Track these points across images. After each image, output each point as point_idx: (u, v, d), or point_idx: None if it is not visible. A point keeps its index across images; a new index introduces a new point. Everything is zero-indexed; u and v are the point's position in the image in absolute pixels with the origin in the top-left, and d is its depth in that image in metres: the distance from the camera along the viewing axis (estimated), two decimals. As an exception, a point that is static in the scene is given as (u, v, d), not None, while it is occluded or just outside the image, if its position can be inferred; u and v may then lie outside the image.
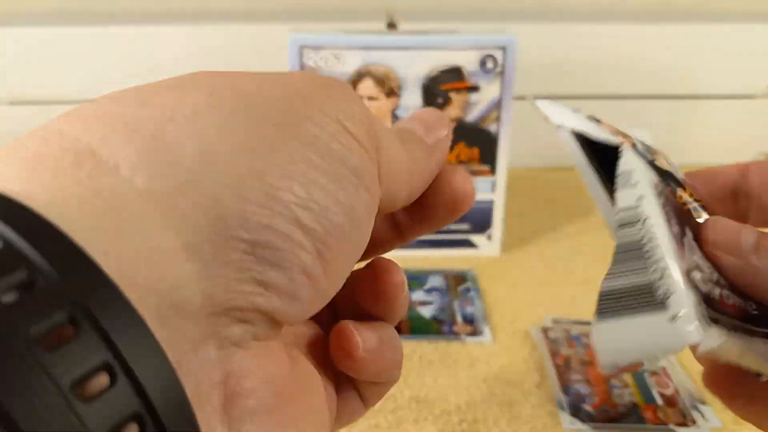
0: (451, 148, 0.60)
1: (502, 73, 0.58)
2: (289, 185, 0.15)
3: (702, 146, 0.78)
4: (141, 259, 0.13)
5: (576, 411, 0.42)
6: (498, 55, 0.57)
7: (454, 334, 0.50)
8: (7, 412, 0.10)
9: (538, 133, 0.82)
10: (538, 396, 0.44)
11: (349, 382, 0.22)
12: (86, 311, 0.11)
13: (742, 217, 0.28)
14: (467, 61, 0.57)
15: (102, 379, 0.11)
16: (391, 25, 0.63)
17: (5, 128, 0.79)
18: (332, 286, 0.17)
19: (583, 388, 0.44)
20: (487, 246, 0.62)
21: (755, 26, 0.76)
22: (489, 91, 0.58)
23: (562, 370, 0.46)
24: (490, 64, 0.58)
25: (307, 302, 0.16)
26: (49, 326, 0.11)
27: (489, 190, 0.60)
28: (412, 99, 0.58)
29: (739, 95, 0.79)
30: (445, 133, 0.23)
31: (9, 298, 0.11)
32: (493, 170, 0.60)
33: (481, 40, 0.57)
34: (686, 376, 0.45)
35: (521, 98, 0.67)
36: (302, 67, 0.57)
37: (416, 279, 0.57)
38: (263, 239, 0.15)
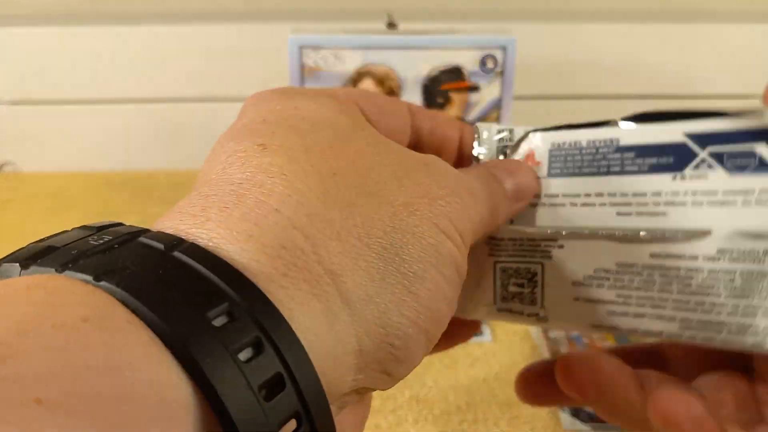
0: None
1: (502, 73, 0.58)
2: (427, 303, 0.19)
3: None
4: (331, 357, 0.17)
5: (576, 411, 0.42)
6: (498, 55, 0.57)
7: (454, 334, 0.50)
8: (221, 401, 0.14)
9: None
10: (538, 396, 0.44)
11: None
12: (268, 336, 0.15)
13: None
14: (467, 61, 0.57)
15: (277, 385, 0.15)
16: (391, 25, 0.63)
17: (5, 128, 0.79)
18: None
19: (583, 388, 0.44)
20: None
21: (755, 26, 0.77)
22: (489, 91, 0.58)
23: (562, 370, 0.46)
24: (490, 64, 0.58)
25: (400, 378, 0.20)
26: (245, 343, 0.15)
27: (489, 190, 0.60)
28: (412, 99, 0.58)
29: (739, 95, 0.79)
30: (527, 180, 0.25)
31: (219, 322, 0.15)
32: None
33: (481, 40, 0.57)
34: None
35: (521, 98, 0.67)
36: (302, 67, 0.57)
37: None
38: (404, 345, 0.19)
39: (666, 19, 0.77)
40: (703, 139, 0.24)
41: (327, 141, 0.20)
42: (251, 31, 0.75)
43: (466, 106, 0.59)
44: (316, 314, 0.17)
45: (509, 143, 0.26)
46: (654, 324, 0.23)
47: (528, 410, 0.43)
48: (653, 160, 0.24)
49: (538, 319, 0.25)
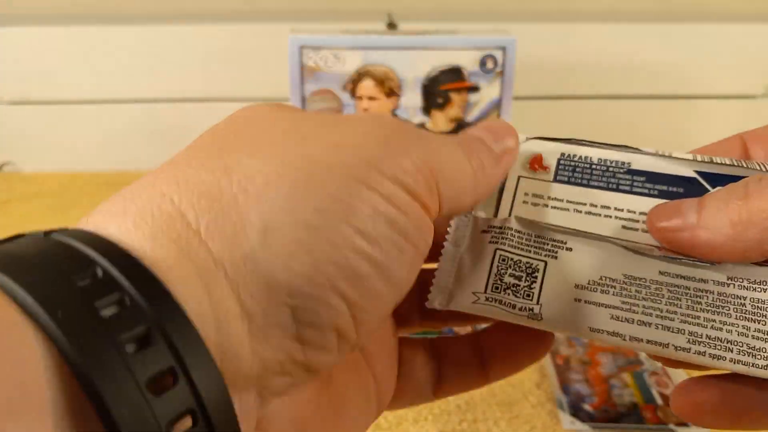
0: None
1: (502, 73, 0.58)
2: (334, 258, 0.18)
3: (701, 146, 0.78)
4: (213, 321, 0.16)
5: (576, 411, 0.42)
6: (498, 55, 0.57)
7: (454, 334, 0.50)
8: (100, 395, 0.13)
9: (538, 133, 0.82)
10: (538, 396, 0.44)
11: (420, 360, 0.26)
12: (161, 328, 0.15)
13: None
14: (467, 61, 0.57)
15: (167, 380, 0.15)
16: (391, 26, 0.63)
17: (5, 128, 0.79)
18: (365, 337, 0.19)
19: (582, 388, 0.44)
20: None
21: (755, 26, 0.77)
22: (489, 91, 0.58)
23: (562, 370, 0.46)
24: (490, 64, 0.58)
25: (338, 353, 0.19)
26: (133, 336, 0.14)
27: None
28: (412, 99, 0.58)
29: (738, 95, 0.79)
30: (513, 142, 0.24)
31: (108, 312, 0.15)
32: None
33: (481, 40, 0.57)
34: (686, 375, 0.45)
35: (521, 98, 0.67)
36: (302, 67, 0.57)
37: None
38: (304, 305, 0.17)
39: (666, 19, 0.77)
40: (713, 179, 0.24)
41: (231, 129, 0.20)
42: (251, 31, 0.75)
43: (466, 106, 0.59)
44: (189, 276, 0.16)
45: None
46: (660, 335, 0.23)
47: (528, 410, 0.43)
48: (663, 187, 0.25)
49: (530, 315, 0.24)
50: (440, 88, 0.58)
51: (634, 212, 0.24)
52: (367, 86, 0.58)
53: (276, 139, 0.19)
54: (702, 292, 0.23)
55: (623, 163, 0.25)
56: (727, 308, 0.22)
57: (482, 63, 0.58)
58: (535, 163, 0.26)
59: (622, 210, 0.24)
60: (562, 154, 0.26)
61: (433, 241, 0.23)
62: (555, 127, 0.79)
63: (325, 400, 0.21)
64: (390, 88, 0.58)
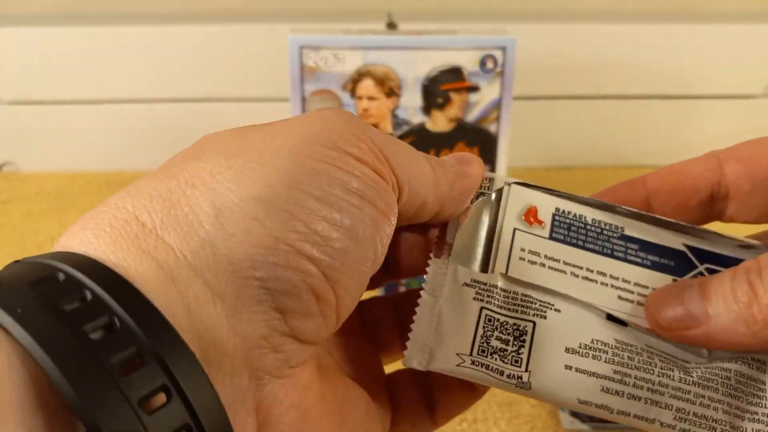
0: (451, 147, 0.60)
1: (502, 73, 0.58)
2: (292, 225, 0.18)
3: (701, 146, 0.78)
4: (183, 309, 0.16)
5: (576, 411, 0.42)
6: (498, 55, 0.57)
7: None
8: (93, 419, 0.13)
9: (538, 133, 0.82)
10: (538, 396, 0.44)
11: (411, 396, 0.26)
12: (152, 348, 0.15)
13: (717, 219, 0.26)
14: (467, 61, 0.57)
15: (160, 398, 0.15)
16: (391, 25, 0.63)
17: (5, 128, 0.79)
18: (347, 300, 0.20)
19: (582, 388, 0.44)
20: (487, 246, 0.62)
21: (755, 26, 0.77)
22: (489, 91, 0.58)
23: (562, 369, 0.46)
24: (490, 64, 0.58)
25: (322, 317, 0.19)
26: (124, 358, 0.15)
27: (489, 190, 0.60)
28: (412, 99, 0.58)
29: (738, 95, 0.79)
30: (476, 168, 0.25)
31: (96, 335, 0.15)
32: (492, 170, 0.60)
33: (481, 40, 0.57)
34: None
35: (521, 98, 0.67)
36: (302, 67, 0.57)
37: (417, 279, 0.57)
38: (272, 274, 0.17)
39: (666, 19, 0.77)
40: (701, 255, 0.25)
41: (183, 152, 0.20)
42: (251, 31, 0.75)
43: (466, 106, 0.59)
44: (152, 271, 0.16)
45: (486, 191, 0.26)
46: (648, 410, 0.22)
47: (528, 410, 0.43)
48: (656, 258, 0.25)
49: (518, 384, 0.22)
50: (440, 88, 0.58)
51: (629, 282, 0.24)
52: (367, 86, 0.58)
53: (219, 145, 0.20)
54: (692, 365, 0.22)
55: (617, 227, 0.25)
56: (716, 382, 0.22)
57: (482, 63, 0.58)
58: (531, 216, 0.25)
59: (618, 279, 0.24)
60: (557, 209, 0.25)
61: (407, 261, 0.24)
62: (555, 127, 0.79)
63: (329, 393, 0.21)
64: (390, 88, 0.58)
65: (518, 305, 0.23)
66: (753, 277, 0.21)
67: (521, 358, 0.22)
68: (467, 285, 0.23)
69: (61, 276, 0.16)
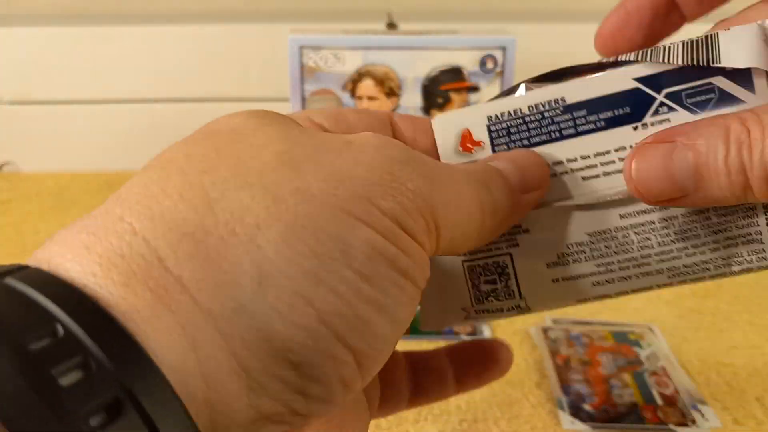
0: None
1: (502, 73, 0.58)
2: (337, 308, 0.16)
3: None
4: (201, 379, 0.14)
5: (576, 411, 0.42)
6: (498, 55, 0.57)
7: (454, 334, 0.50)
8: None
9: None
10: (538, 396, 0.44)
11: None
12: (133, 395, 0.13)
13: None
14: (467, 61, 0.57)
15: None
16: (391, 26, 0.63)
17: (5, 128, 0.79)
18: (368, 380, 0.18)
19: (583, 388, 0.44)
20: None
21: (755, 26, 0.77)
22: (489, 92, 0.58)
23: (562, 369, 0.46)
24: (490, 64, 0.58)
25: (341, 402, 0.17)
26: (99, 406, 0.13)
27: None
28: (412, 99, 0.58)
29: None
30: (541, 183, 0.22)
31: (67, 380, 0.13)
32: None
33: (481, 41, 0.57)
34: (686, 375, 0.45)
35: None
36: (302, 67, 0.57)
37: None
38: (308, 360, 0.16)
39: (666, 19, 0.77)
40: (656, 81, 0.22)
41: (213, 145, 0.18)
42: (251, 31, 0.75)
43: (466, 106, 0.59)
44: (170, 330, 0.14)
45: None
46: (642, 282, 0.22)
47: (528, 410, 0.43)
48: (608, 114, 0.22)
49: (519, 310, 0.24)
50: (440, 88, 0.58)
51: (588, 156, 0.22)
52: (367, 86, 0.58)
53: (266, 166, 0.17)
54: (668, 221, 0.22)
55: (557, 101, 0.23)
56: (695, 229, 0.22)
57: (482, 63, 0.58)
58: (466, 143, 0.23)
59: (575, 160, 0.23)
60: (489, 119, 0.23)
61: None
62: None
63: (323, 429, 0.21)
64: (390, 88, 0.58)
65: (490, 243, 0.23)
66: (744, 151, 0.19)
67: (512, 290, 0.23)
68: None
69: (60, 330, 0.13)
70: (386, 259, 0.17)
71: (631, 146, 0.22)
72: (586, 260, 0.23)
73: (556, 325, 0.51)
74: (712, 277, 0.22)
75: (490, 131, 0.23)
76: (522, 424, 0.42)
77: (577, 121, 0.23)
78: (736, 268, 0.22)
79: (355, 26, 0.61)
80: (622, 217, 0.22)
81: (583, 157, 0.22)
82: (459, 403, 0.43)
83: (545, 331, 0.50)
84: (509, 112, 0.23)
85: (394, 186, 0.18)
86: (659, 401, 0.43)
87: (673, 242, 0.22)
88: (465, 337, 0.50)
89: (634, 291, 0.23)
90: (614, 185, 0.22)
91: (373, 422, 0.41)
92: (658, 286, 0.23)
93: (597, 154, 0.22)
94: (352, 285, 0.16)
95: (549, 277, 0.23)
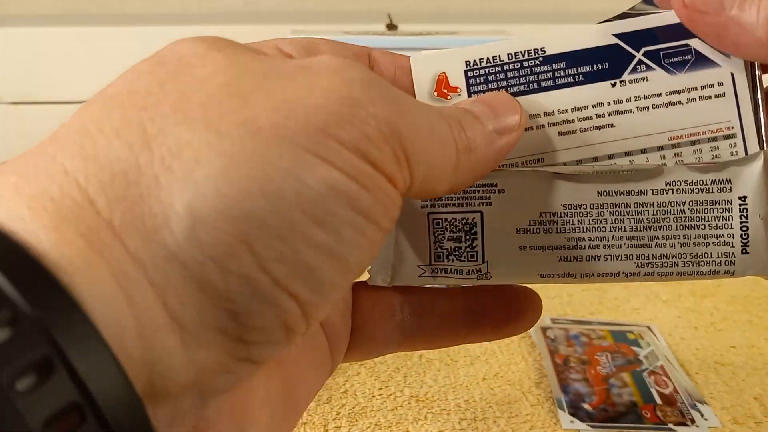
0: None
1: (501, 74, 0.58)
2: (281, 254, 0.14)
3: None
4: (137, 336, 0.13)
5: (575, 410, 0.42)
6: (498, 55, 0.57)
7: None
8: None
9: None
10: (537, 395, 0.44)
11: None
12: (63, 353, 0.12)
13: None
14: (467, 61, 0.58)
15: (73, 419, 0.12)
16: (391, 27, 0.63)
17: (5, 128, 0.79)
18: (315, 324, 0.17)
19: (582, 388, 0.44)
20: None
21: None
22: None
23: (561, 369, 0.46)
24: (489, 65, 0.58)
25: (286, 344, 0.16)
26: (25, 367, 0.12)
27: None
28: (411, 99, 0.58)
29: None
30: (515, 119, 0.20)
31: None
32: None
33: (480, 41, 0.57)
34: (685, 375, 0.45)
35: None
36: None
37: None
38: (246, 310, 0.14)
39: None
40: (635, 39, 0.22)
41: (158, 78, 0.17)
42: (251, 31, 0.75)
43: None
44: (104, 281, 0.13)
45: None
46: (609, 266, 0.22)
47: (527, 409, 0.43)
48: (587, 68, 0.22)
49: (479, 276, 0.22)
50: (440, 88, 0.58)
51: (566, 110, 0.22)
52: (367, 86, 0.58)
53: (211, 99, 0.15)
54: (643, 206, 0.22)
55: (537, 51, 0.23)
56: (668, 220, 0.22)
57: (482, 63, 0.58)
58: (442, 88, 0.23)
59: (553, 113, 0.22)
60: (467, 63, 0.23)
61: None
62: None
63: (276, 383, 0.19)
64: (390, 88, 0.58)
65: (462, 198, 0.22)
66: None
67: (476, 252, 0.22)
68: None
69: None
70: (345, 200, 0.15)
71: (609, 103, 0.22)
72: (557, 232, 0.22)
73: (555, 324, 0.51)
74: (680, 274, 0.22)
75: (467, 77, 0.23)
76: (521, 423, 0.42)
77: (556, 73, 0.23)
78: (703, 269, 0.22)
79: (356, 27, 0.61)
80: (599, 194, 0.22)
81: (560, 111, 0.22)
82: (458, 401, 0.43)
83: (544, 330, 0.50)
84: (488, 59, 0.23)
85: (353, 111, 0.16)
86: (658, 400, 0.43)
87: (645, 229, 0.22)
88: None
89: (600, 276, 0.22)
90: (590, 141, 0.22)
91: (372, 420, 0.41)
92: (626, 276, 0.22)
93: (575, 109, 0.22)
94: (301, 229, 0.14)
95: (517, 243, 0.22)
